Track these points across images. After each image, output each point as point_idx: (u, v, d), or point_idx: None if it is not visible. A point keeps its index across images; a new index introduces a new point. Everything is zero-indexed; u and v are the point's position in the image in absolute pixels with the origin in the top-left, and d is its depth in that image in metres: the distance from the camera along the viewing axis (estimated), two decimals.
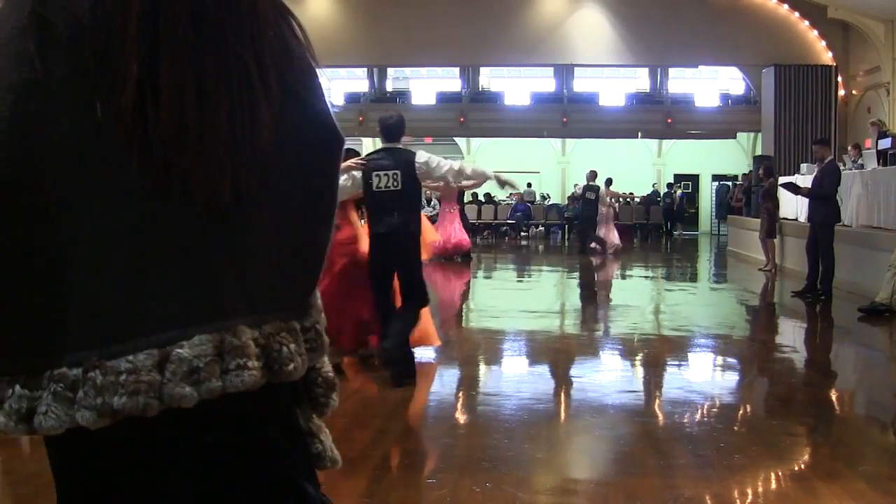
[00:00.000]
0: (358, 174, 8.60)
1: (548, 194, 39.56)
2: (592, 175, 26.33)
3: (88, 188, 1.55)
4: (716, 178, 40.43)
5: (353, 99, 36.74)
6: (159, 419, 1.57)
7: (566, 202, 36.79)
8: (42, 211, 1.54)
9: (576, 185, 32.53)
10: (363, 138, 34.82)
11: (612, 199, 27.95)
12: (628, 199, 34.99)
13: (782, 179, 18.96)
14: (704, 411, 7.67)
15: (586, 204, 26.56)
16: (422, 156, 8.67)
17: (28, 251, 1.54)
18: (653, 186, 39.69)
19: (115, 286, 1.55)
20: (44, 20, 1.55)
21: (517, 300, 16.63)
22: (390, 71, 39.23)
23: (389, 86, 39.90)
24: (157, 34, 1.56)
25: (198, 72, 1.58)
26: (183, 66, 1.57)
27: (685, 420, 7.33)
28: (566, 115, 35.65)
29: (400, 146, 8.81)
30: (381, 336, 8.86)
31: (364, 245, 9.04)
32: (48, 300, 1.56)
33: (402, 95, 38.94)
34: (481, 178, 9.28)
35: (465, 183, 9.52)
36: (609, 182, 27.23)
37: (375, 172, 8.53)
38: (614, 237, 27.06)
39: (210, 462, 1.70)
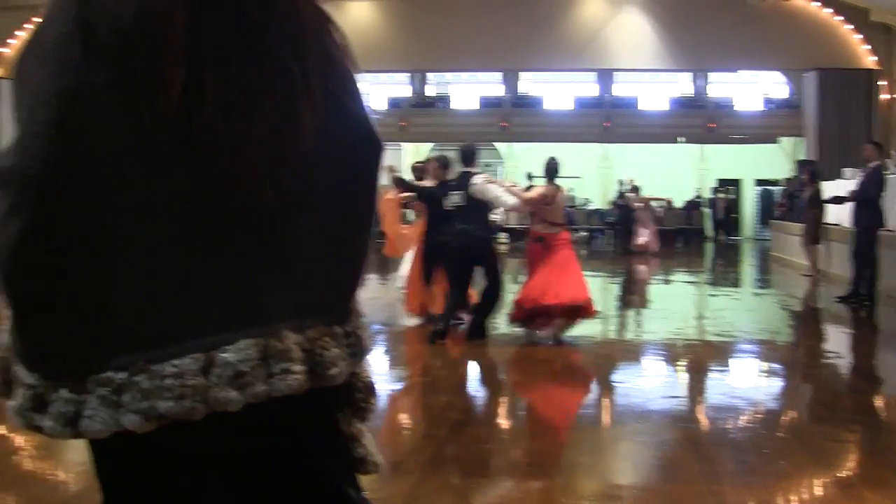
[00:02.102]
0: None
1: (589, 199, 39.49)
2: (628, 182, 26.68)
3: (134, 193, 1.55)
4: (759, 182, 40.20)
5: (394, 104, 36.75)
6: (204, 423, 1.57)
7: (608, 207, 36.72)
8: (88, 216, 1.55)
9: (621, 189, 32.48)
10: (404, 143, 34.88)
11: (644, 204, 28.19)
12: (658, 203, 34.87)
13: (828, 191, 18.74)
14: (748, 417, 7.62)
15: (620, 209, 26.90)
16: (476, 179, 11.15)
17: (74, 256, 1.55)
18: (696, 191, 39.51)
19: (160, 290, 1.56)
20: (89, 26, 1.55)
21: None
22: (431, 76, 39.22)
23: (430, 91, 39.91)
24: (202, 40, 1.57)
25: (241, 77, 1.58)
26: (227, 72, 1.57)
27: (729, 426, 7.29)
28: (607, 120, 35.56)
29: (469, 170, 11.39)
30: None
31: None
32: (94, 304, 1.56)
33: (442, 100, 38.96)
34: (512, 209, 11.92)
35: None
36: (635, 189, 27.41)
37: (451, 192, 11.34)
38: (645, 239, 27.25)
39: (253, 465, 1.70)
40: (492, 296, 11.39)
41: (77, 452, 5.80)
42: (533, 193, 11.47)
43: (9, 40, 31.83)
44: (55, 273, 1.56)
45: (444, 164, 12.41)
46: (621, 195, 26.27)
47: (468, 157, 11.62)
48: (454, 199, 11.33)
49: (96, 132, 1.54)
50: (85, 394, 1.57)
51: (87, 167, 1.54)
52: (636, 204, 28.96)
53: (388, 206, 12.51)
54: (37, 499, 5.70)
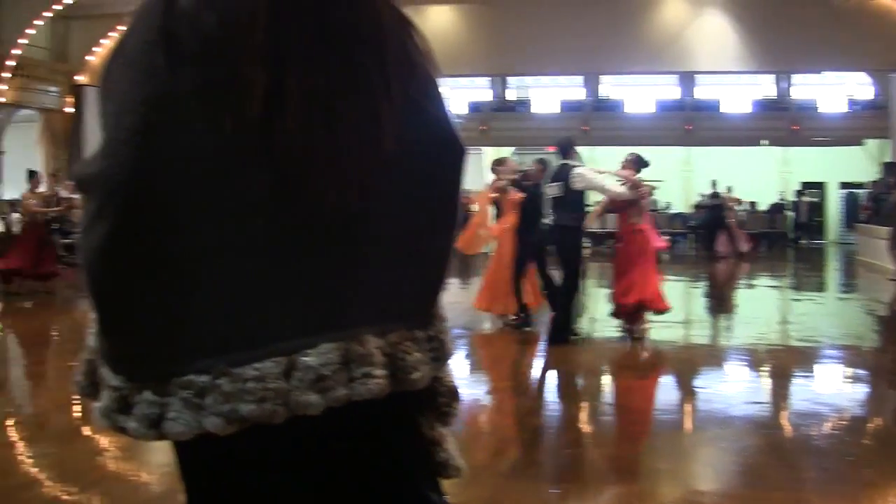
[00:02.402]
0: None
1: (670, 203, 39.13)
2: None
3: (216, 198, 1.58)
4: (843, 185, 39.54)
5: (475, 108, 36.68)
6: (285, 426, 1.59)
7: (690, 210, 36.34)
8: (172, 220, 1.58)
9: (713, 189, 32.14)
10: (485, 147, 34.83)
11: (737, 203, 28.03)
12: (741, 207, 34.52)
13: None
14: (832, 423, 7.52)
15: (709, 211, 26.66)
16: (579, 169, 11.37)
17: (158, 259, 1.58)
18: (779, 194, 38.98)
19: (242, 295, 1.58)
20: (173, 35, 1.58)
21: None
22: (511, 80, 39.08)
23: (511, 95, 39.79)
24: (284, 46, 1.58)
25: (323, 82, 1.60)
26: (309, 77, 1.59)
27: (812, 432, 7.19)
28: (689, 123, 35.21)
29: (567, 161, 11.60)
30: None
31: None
32: (177, 308, 1.59)
33: (523, 104, 38.82)
34: (619, 196, 11.54)
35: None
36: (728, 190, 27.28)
37: (549, 183, 11.58)
38: (735, 241, 27.10)
39: (335, 469, 1.71)
40: (567, 293, 11.44)
41: (160, 454, 5.89)
42: (633, 178, 11.49)
43: (94, 49, 32.27)
44: (139, 277, 1.59)
45: (545, 165, 12.96)
46: (715, 194, 26.03)
47: (566, 148, 11.85)
48: (552, 190, 11.56)
49: (180, 138, 1.57)
50: (168, 396, 1.60)
51: (171, 173, 1.57)
52: (730, 203, 28.68)
53: (481, 201, 12.77)
54: (120, 499, 5.79)
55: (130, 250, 1.58)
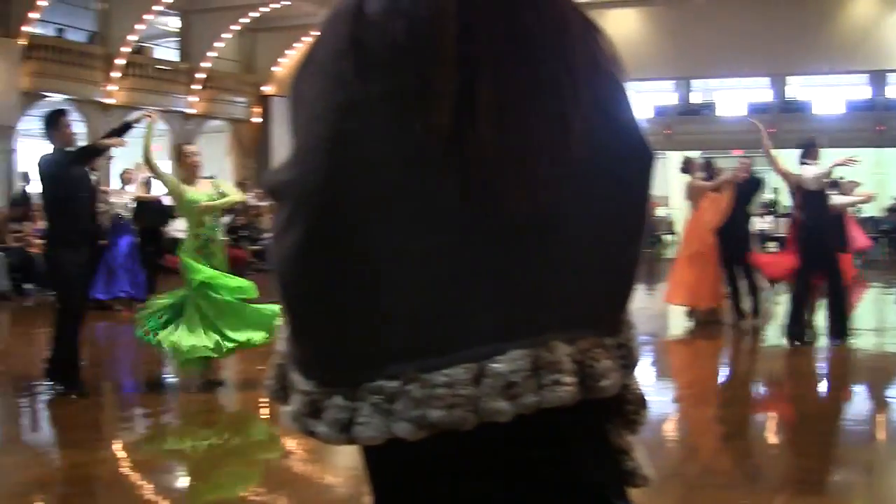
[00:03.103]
0: None
1: (861, 207, 38.07)
2: None
3: (406, 204, 1.58)
4: None
5: (659, 112, 36.37)
6: (474, 433, 1.58)
7: (883, 214, 35.29)
8: (363, 226, 1.58)
9: None
10: (669, 152, 34.48)
11: None
12: None
13: None
14: None
15: None
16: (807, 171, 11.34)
17: (350, 266, 1.59)
18: None
19: (432, 301, 1.58)
20: (361, 43, 1.59)
21: None
22: (696, 82, 38.64)
23: (696, 98, 39.31)
24: (474, 51, 1.57)
25: (513, 87, 1.58)
26: (499, 83, 1.57)
27: None
28: (881, 123, 34.21)
29: (807, 161, 11.51)
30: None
31: None
32: (368, 314, 1.60)
33: (707, 107, 38.32)
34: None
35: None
36: None
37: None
38: None
39: (522, 476, 1.70)
40: (834, 294, 11.35)
41: (347, 457, 5.98)
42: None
43: (280, 60, 33.14)
44: (331, 283, 1.60)
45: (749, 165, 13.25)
46: None
47: (809, 149, 11.82)
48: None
49: (370, 145, 1.57)
50: (358, 401, 1.61)
51: (361, 179, 1.58)
52: None
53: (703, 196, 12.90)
54: (307, 500, 5.90)
55: (321, 257, 1.59)
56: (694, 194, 13.11)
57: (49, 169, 8.52)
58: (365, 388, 1.60)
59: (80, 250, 8.59)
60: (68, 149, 8.59)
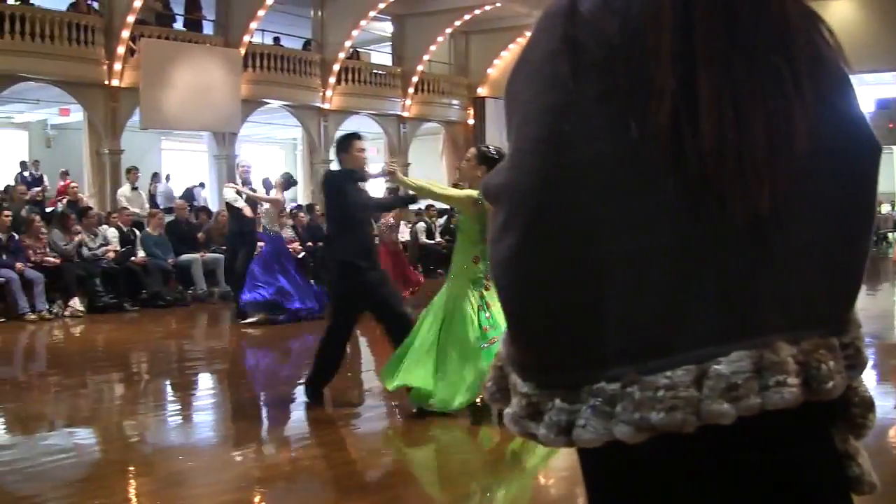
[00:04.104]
0: None
1: None
2: None
3: (623, 206, 1.57)
4: None
5: (882, 105, 35.12)
6: (693, 435, 1.55)
7: None
8: (580, 229, 1.58)
9: None
10: (893, 147, 33.30)
11: None
12: None
13: None
14: None
15: None
16: None
17: (568, 269, 1.59)
18: None
19: (652, 303, 1.56)
20: (576, 42, 1.58)
21: None
22: None
23: None
24: (692, 47, 1.55)
25: (733, 82, 1.55)
26: (720, 78, 1.55)
27: None
28: None
29: None
30: None
31: None
32: (588, 317, 1.59)
33: None
34: None
35: None
36: None
37: None
38: None
39: (742, 480, 1.66)
40: None
41: (559, 458, 5.98)
42: None
43: (493, 62, 33.36)
44: (550, 286, 1.60)
45: None
46: None
47: None
48: None
49: (586, 147, 1.57)
50: (578, 403, 1.60)
51: (577, 181, 1.57)
52: None
53: None
54: (519, 499, 5.92)
55: (539, 260, 1.60)
56: None
57: (333, 187, 8.56)
58: (585, 391, 1.60)
59: (359, 270, 8.27)
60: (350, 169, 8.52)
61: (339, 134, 29.04)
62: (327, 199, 8.87)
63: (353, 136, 8.71)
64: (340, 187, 8.45)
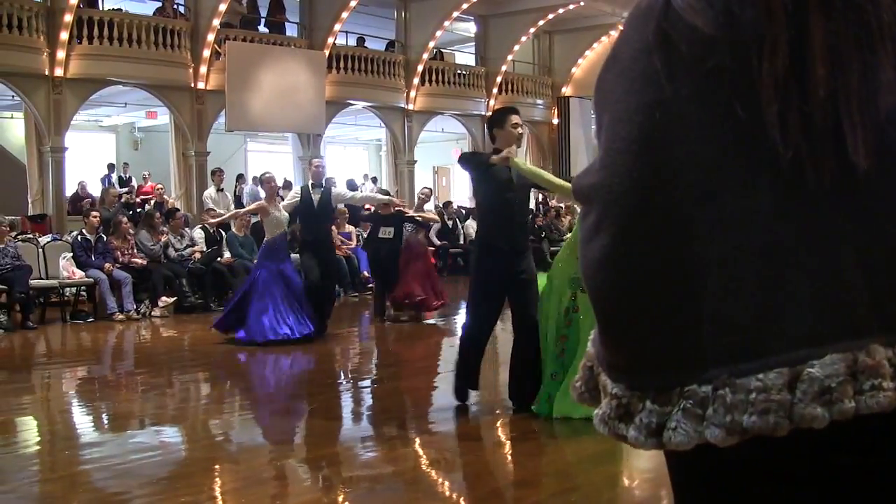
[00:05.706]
0: None
1: None
2: None
3: (716, 206, 1.53)
4: None
5: None
6: (785, 438, 1.52)
7: None
8: (674, 230, 1.54)
9: None
10: None
11: None
12: None
13: None
14: None
15: None
16: None
17: (661, 269, 1.56)
18: None
19: (746, 304, 1.52)
20: (669, 39, 1.54)
21: None
22: None
23: None
24: (800, 24, 1.50)
25: (836, 33, 1.50)
26: (827, 27, 1.49)
27: None
28: None
29: None
30: None
31: None
32: (683, 318, 1.56)
33: None
34: None
35: None
36: None
37: None
38: None
39: (836, 485, 1.62)
40: None
41: (643, 460, 5.94)
42: None
43: (577, 61, 33.33)
44: (642, 287, 1.57)
45: None
46: None
47: None
48: None
49: (678, 146, 1.53)
50: (669, 406, 1.57)
51: (670, 181, 1.54)
52: None
53: None
54: (593, 500, 5.88)
55: (632, 261, 1.57)
56: None
57: (476, 169, 8.15)
58: (676, 393, 1.56)
59: (501, 259, 7.82)
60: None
61: (422, 135, 29.20)
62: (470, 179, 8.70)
63: (510, 111, 8.26)
64: (469, 171, 8.33)
